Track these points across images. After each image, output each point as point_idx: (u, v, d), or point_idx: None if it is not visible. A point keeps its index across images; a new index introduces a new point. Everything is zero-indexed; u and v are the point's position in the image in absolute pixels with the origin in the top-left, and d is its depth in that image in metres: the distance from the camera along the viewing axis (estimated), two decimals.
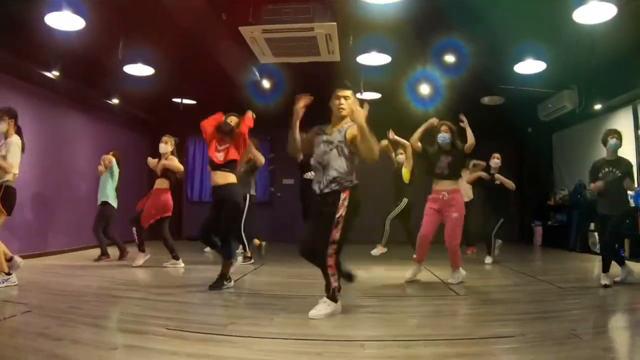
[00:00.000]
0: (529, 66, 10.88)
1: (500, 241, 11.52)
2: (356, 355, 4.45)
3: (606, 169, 8.14)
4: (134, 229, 10.36)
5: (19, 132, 7.73)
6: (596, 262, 8.64)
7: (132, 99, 14.15)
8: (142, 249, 10.45)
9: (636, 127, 11.85)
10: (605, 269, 7.94)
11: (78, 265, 10.47)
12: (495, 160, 11.54)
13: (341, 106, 6.10)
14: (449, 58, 10.71)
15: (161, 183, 10.44)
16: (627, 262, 8.25)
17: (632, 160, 11.66)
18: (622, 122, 12.29)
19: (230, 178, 7.73)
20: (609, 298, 7.17)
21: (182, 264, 10.36)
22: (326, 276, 5.89)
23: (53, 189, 12.06)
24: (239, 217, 9.30)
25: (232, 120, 8.03)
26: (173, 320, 5.65)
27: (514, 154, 16.04)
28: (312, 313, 5.81)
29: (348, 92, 6.13)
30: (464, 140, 8.52)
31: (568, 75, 12.44)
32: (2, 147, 7.48)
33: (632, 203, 11.18)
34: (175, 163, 10.31)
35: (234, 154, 7.76)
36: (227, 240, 7.81)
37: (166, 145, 10.41)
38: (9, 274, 7.43)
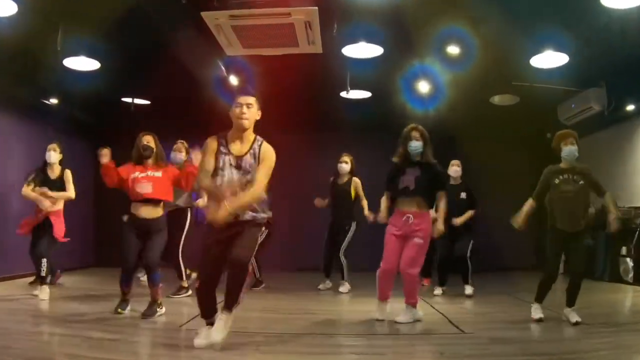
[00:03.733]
0: (549, 59, 10.88)
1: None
2: None
3: (565, 176, 8.28)
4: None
5: None
6: (629, 294, 8.64)
7: (74, 99, 14.09)
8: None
9: None
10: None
11: (9, 295, 10.41)
12: (455, 168, 11.48)
13: (243, 115, 6.26)
14: (453, 49, 10.70)
15: None
16: None
17: None
18: None
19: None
20: None
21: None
22: None
23: None
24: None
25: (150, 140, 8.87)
26: None
27: (529, 164, 16.04)
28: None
29: (251, 99, 6.31)
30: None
31: (595, 71, 12.39)
32: None
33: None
34: None
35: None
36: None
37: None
38: None
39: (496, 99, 14.11)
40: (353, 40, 10.26)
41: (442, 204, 8.55)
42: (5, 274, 12.59)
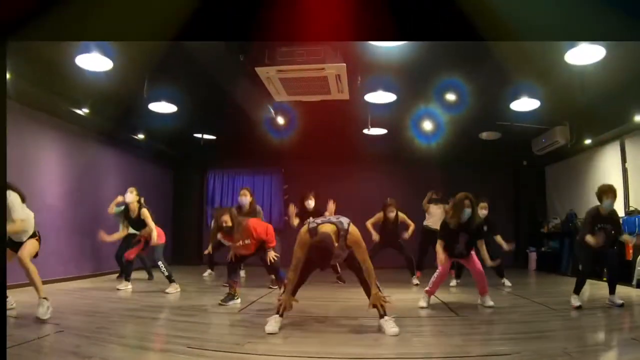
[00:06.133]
0: (524, 104, 10.97)
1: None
2: None
3: (599, 226, 8.04)
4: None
5: None
6: (587, 285, 8.65)
7: (156, 135, 14.23)
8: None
9: (623, 161, 11.91)
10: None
11: (106, 288, 10.51)
12: (484, 211, 10.82)
13: None
14: (450, 97, 10.72)
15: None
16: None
17: (619, 191, 11.67)
18: (610, 156, 12.41)
19: None
20: (599, 319, 7.22)
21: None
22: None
23: (83, 218, 12.07)
24: None
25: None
26: (194, 339, 5.72)
27: (510, 185, 16.19)
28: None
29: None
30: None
31: (560, 113, 12.42)
32: None
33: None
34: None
35: None
36: None
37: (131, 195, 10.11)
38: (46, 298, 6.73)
39: (483, 135, 14.11)
40: (373, 89, 10.34)
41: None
42: (96, 271, 12.79)
